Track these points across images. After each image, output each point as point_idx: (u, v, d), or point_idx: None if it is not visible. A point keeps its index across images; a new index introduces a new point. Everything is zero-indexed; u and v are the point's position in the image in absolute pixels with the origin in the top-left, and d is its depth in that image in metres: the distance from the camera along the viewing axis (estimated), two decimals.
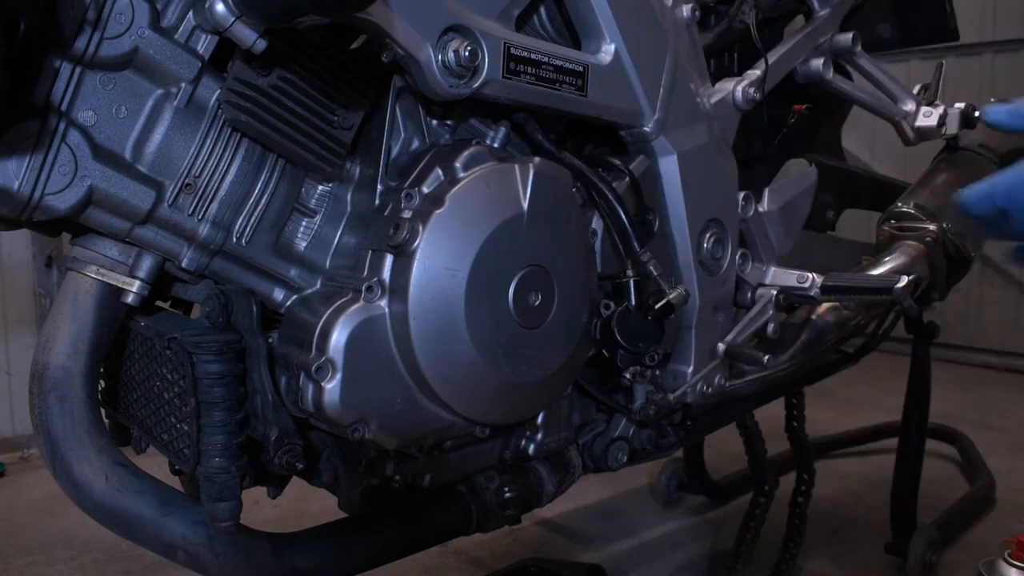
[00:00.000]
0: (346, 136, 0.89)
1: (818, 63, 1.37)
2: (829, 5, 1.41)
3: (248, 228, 0.88)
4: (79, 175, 0.76)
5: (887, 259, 1.37)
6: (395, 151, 0.95)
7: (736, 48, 1.35)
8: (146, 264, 0.84)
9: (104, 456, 0.82)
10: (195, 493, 0.87)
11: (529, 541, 2.04)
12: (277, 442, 0.84)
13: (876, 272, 1.34)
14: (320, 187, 0.94)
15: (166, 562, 0.87)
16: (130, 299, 0.84)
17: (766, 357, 1.15)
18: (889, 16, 1.65)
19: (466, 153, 0.91)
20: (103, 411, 0.91)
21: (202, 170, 0.84)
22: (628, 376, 1.07)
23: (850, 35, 1.41)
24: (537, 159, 0.95)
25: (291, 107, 0.84)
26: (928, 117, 1.54)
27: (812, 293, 1.22)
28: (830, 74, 1.38)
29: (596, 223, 1.05)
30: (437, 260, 0.86)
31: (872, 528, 2.02)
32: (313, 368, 0.83)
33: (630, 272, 1.02)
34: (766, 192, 1.32)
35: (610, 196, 1.02)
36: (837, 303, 1.36)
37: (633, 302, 1.01)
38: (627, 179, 1.08)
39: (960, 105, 1.55)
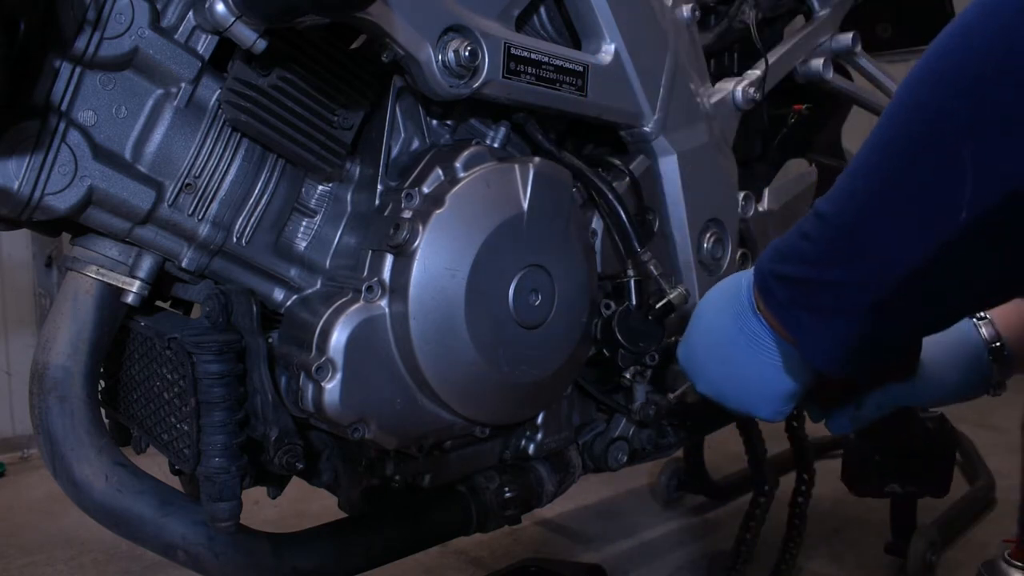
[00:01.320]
0: (346, 136, 0.89)
1: (818, 63, 1.37)
2: (829, 5, 1.41)
3: (248, 228, 0.88)
4: (79, 175, 0.76)
5: None
6: (395, 151, 0.95)
7: (736, 48, 1.35)
8: (146, 264, 0.84)
9: (104, 456, 0.82)
10: (195, 493, 0.87)
11: (529, 541, 2.04)
12: (277, 442, 0.84)
13: None
14: (320, 187, 0.94)
15: (166, 562, 0.87)
16: (130, 299, 0.84)
17: None
18: (889, 16, 1.65)
19: (466, 153, 0.91)
20: (103, 411, 0.91)
21: (202, 170, 0.84)
22: (628, 376, 1.07)
23: (850, 35, 1.41)
24: (537, 159, 0.95)
25: (291, 107, 0.84)
26: None
27: None
28: (830, 74, 1.38)
29: (596, 223, 1.05)
30: (437, 260, 0.86)
31: (872, 528, 2.02)
32: (313, 368, 0.83)
33: (631, 272, 1.02)
34: (766, 192, 1.32)
35: (610, 196, 1.02)
36: None
37: (634, 302, 1.01)
38: (627, 179, 1.08)
39: None
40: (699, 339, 0.85)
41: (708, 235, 1.17)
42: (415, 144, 0.96)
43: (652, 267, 1.00)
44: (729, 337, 0.80)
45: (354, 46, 0.95)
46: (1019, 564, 1.22)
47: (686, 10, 1.17)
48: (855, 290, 0.65)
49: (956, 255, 0.57)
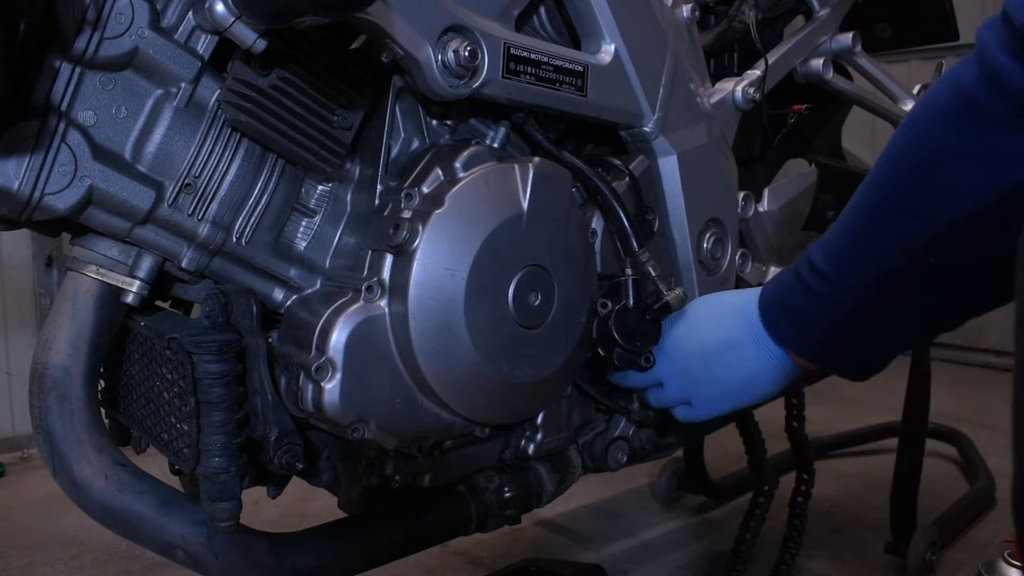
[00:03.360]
0: (346, 136, 0.89)
1: (818, 63, 1.37)
2: (829, 5, 1.40)
3: (248, 228, 0.88)
4: (79, 175, 0.76)
5: None
6: (395, 151, 0.95)
7: (736, 48, 1.35)
8: (146, 264, 0.84)
9: (104, 456, 0.82)
10: (195, 493, 0.87)
11: (529, 541, 2.05)
12: (277, 442, 0.84)
13: None
14: (320, 187, 0.94)
15: (166, 562, 0.87)
16: (130, 299, 0.84)
17: None
18: (889, 16, 1.65)
19: (466, 153, 0.91)
20: (103, 411, 0.91)
21: (202, 170, 0.84)
22: None
23: (850, 35, 1.41)
24: (537, 159, 0.95)
25: (291, 107, 0.84)
26: None
27: None
28: (830, 74, 1.38)
29: (596, 223, 1.05)
30: (437, 260, 0.86)
31: (872, 528, 2.02)
32: (313, 368, 0.83)
33: (628, 271, 1.02)
34: (766, 192, 1.32)
35: (609, 196, 1.02)
36: None
37: (631, 301, 1.01)
38: (627, 179, 1.08)
39: None
40: (693, 345, 0.98)
41: (708, 235, 1.17)
42: (415, 144, 0.96)
43: (650, 267, 1.00)
44: (730, 346, 0.94)
45: (354, 46, 0.95)
46: (1019, 564, 1.22)
47: (686, 10, 1.17)
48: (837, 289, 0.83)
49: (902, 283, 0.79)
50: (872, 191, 0.80)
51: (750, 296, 0.95)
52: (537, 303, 0.94)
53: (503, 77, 0.91)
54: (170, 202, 0.82)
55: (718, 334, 0.96)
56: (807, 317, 0.87)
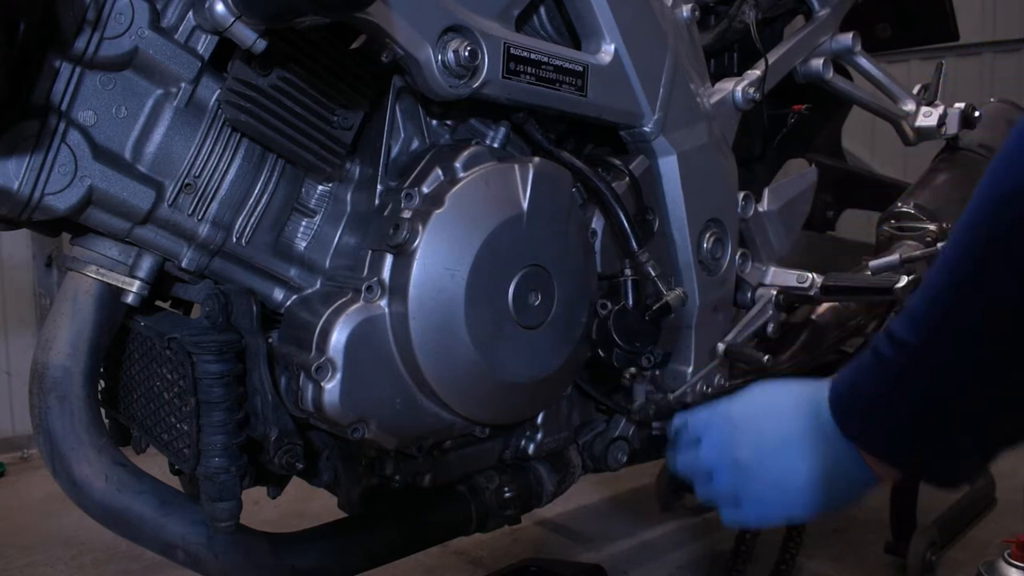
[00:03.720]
0: (346, 136, 0.89)
1: (818, 63, 1.37)
2: (829, 5, 1.41)
3: (248, 228, 0.88)
4: (79, 175, 0.76)
5: (887, 259, 1.37)
6: (395, 151, 0.95)
7: (736, 48, 1.35)
8: (146, 264, 0.84)
9: (104, 456, 0.82)
10: (195, 493, 0.87)
11: (529, 541, 2.04)
12: (277, 442, 0.84)
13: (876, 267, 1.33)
14: (320, 187, 0.94)
15: (166, 562, 0.87)
16: (130, 299, 0.84)
17: (766, 357, 1.15)
18: (889, 16, 1.66)
19: (466, 153, 0.91)
20: (103, 411, 0.91)
21: (202, 170, 0.84)
22: (627, 376, 1.07)
23: (850, 35, 1.41)
24: (537, 159, 0.95)
25: (291, 107, 0.84)
26: (928, 117, 1.54)
27: (812, 293, 1.22)
28: (830, 74, 1.38)
29: (596, 223, 1.05)
30: (437, 260, 0.86)
31: (872, 528, 2.02)
32: (313, 368, 0.83)
33: (628, 272, 1.02)
34: (766, 192, 1.32)
35: (609, 196, 1.02)
36: (837, 303, 1.36)
37: (630, 302, 1.01)
38: (627, 179, 1.08)
39: (960, 105, 1.55)
40: (749, 435, 0.82)
41: (708, 235, 1.17)
42: (415, 144, 0.96)
43: (650, 268, 1.00)
44: (790, 442, 0.78)
45: (354, 46, 0.95)
46: (1019, 564, 1.22)
47: (686, 10, 1.17)
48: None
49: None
50: (967, 234, 0.66)
51: (821, 384, 0.79)
52: (537, 303, 0.94)
53: (503, 77, 0.91)
54: (170, 202, 0.82)
55: (778, 426, 0.80)
56: (885, 402, 0.70)
